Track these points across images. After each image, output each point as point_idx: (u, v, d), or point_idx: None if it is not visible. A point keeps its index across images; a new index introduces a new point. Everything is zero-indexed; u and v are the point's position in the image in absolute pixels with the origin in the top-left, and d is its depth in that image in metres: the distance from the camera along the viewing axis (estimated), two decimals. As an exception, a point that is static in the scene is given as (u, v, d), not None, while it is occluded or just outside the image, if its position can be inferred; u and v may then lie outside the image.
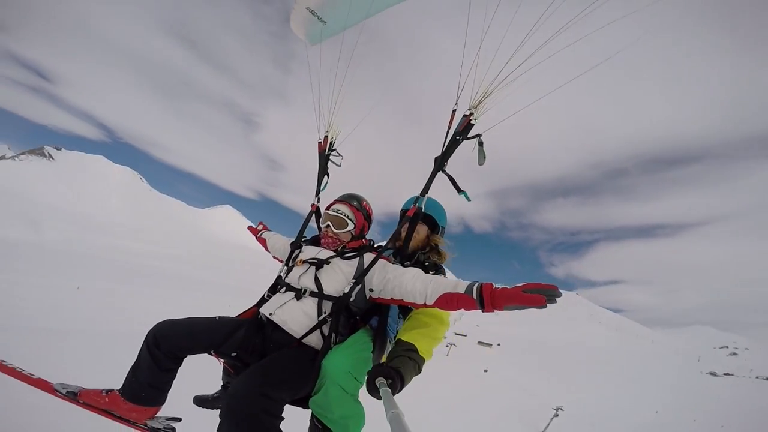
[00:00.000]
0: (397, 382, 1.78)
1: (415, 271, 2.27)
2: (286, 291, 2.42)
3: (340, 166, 3.28)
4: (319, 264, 2.44)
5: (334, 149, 3.25)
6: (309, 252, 2.59)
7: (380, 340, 2.36)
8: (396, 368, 1.85)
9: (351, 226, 2.59)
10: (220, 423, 1.74)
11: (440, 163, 2.54)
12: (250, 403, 1.72)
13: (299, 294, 2.35)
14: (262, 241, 3.42)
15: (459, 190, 2.57)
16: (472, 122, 2.52)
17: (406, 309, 2.54)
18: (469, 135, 2.53)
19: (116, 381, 2.26)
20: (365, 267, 2.40)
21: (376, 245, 2.72)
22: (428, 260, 2.63)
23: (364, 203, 2.73)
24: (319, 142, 3.25)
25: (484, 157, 2.54)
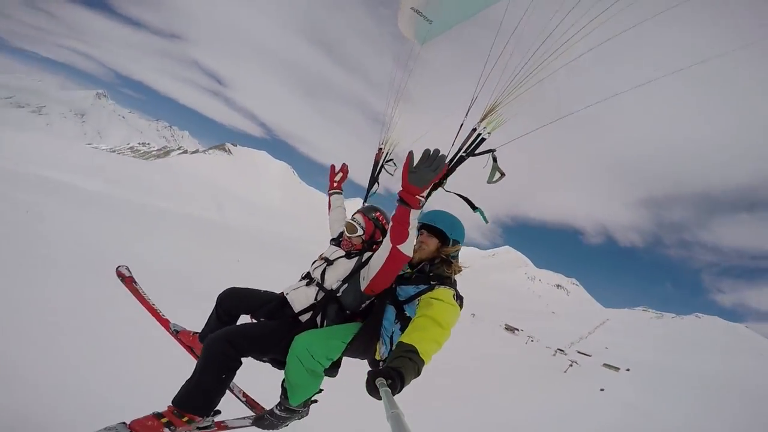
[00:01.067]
0: (397, 383, 1.75)
1: None
2: (305, 279, 2.94)
3: (392, 174, 3.58)
4: (329, 262, 2.88)
5: (390, 159, 3.60)
6: (329, 250, 3.02)
7: (365, 334, 2.55)
8: (396, 368, 1.83)
9: (360, 231, 2.92)
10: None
11: (441, 181, 2.58)
12: (215, 343, 2.29)
13: (309, 282, 2.84)
14: (330, 202, 3.71)
15: (474, 208, 2.56)
16: (483, 137, 2.43)
17: (403, 317, 2.55)
18: (478, 151, 2.46)
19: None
20: (361, 263, 2.75)
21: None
22: (433, 271, 2.62)
23: (377, 214, 3.05)
24: (377, 153, 3.63)
25: (501, 174, 2.42)
